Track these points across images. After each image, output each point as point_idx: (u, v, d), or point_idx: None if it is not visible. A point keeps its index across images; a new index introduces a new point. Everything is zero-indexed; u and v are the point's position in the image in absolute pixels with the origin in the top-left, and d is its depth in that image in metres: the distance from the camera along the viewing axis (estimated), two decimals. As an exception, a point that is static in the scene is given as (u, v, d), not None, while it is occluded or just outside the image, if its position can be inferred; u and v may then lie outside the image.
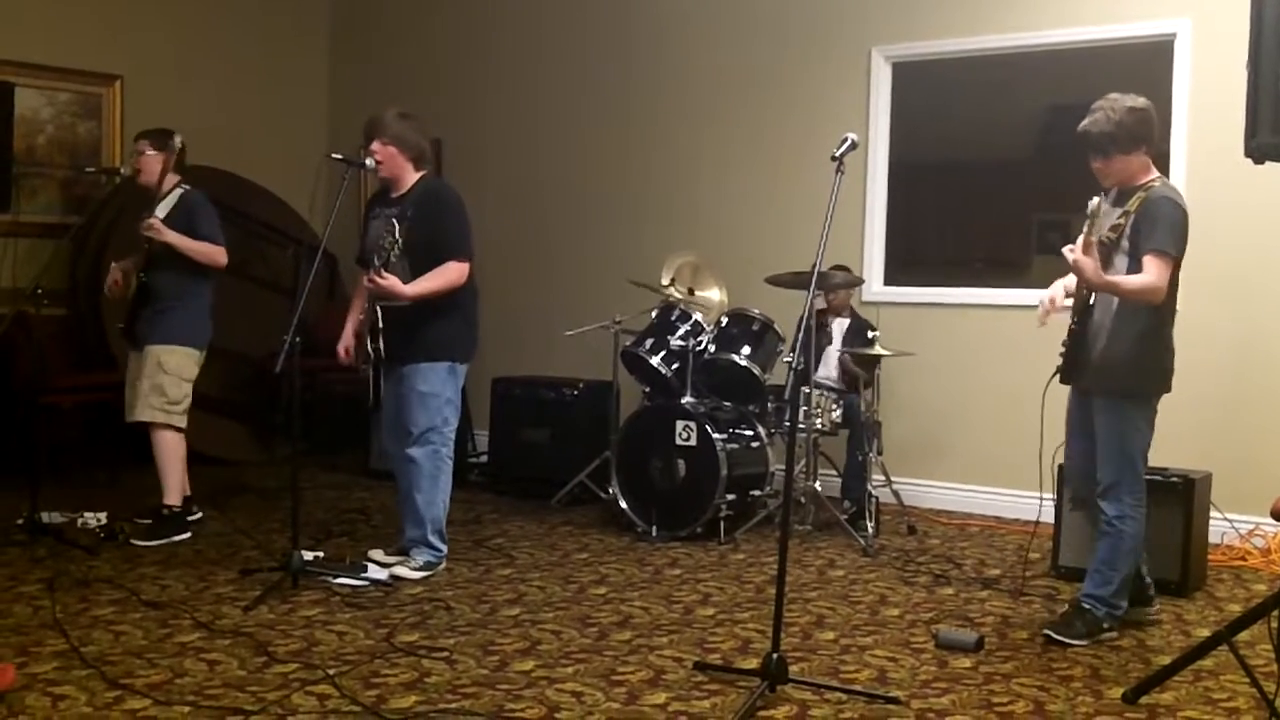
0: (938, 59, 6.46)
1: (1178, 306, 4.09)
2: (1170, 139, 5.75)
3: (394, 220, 4.53)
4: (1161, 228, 3.88)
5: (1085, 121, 4.02)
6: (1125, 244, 3.97)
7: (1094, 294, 4.03)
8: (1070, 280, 4.13)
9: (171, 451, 5.33)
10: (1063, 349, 4.12)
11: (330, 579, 4.60)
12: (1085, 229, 3.84)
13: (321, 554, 5.00)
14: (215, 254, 5.29)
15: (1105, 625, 4.08)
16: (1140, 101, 4.01)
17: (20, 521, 5.23)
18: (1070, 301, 4.13)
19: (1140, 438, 4.06)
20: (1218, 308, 5.65)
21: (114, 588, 4.49)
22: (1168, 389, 4.10)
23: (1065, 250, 3.92)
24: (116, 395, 5.67)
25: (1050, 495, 4.80)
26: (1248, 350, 5.59)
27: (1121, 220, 3.98)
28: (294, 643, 3.89)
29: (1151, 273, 3.87)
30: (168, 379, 5.26)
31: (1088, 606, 4.08)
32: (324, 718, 3.24)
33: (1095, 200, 3.82)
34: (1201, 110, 5.66)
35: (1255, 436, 5.54)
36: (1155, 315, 3.99)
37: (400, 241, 4.48)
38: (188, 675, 3.56)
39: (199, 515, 5.59)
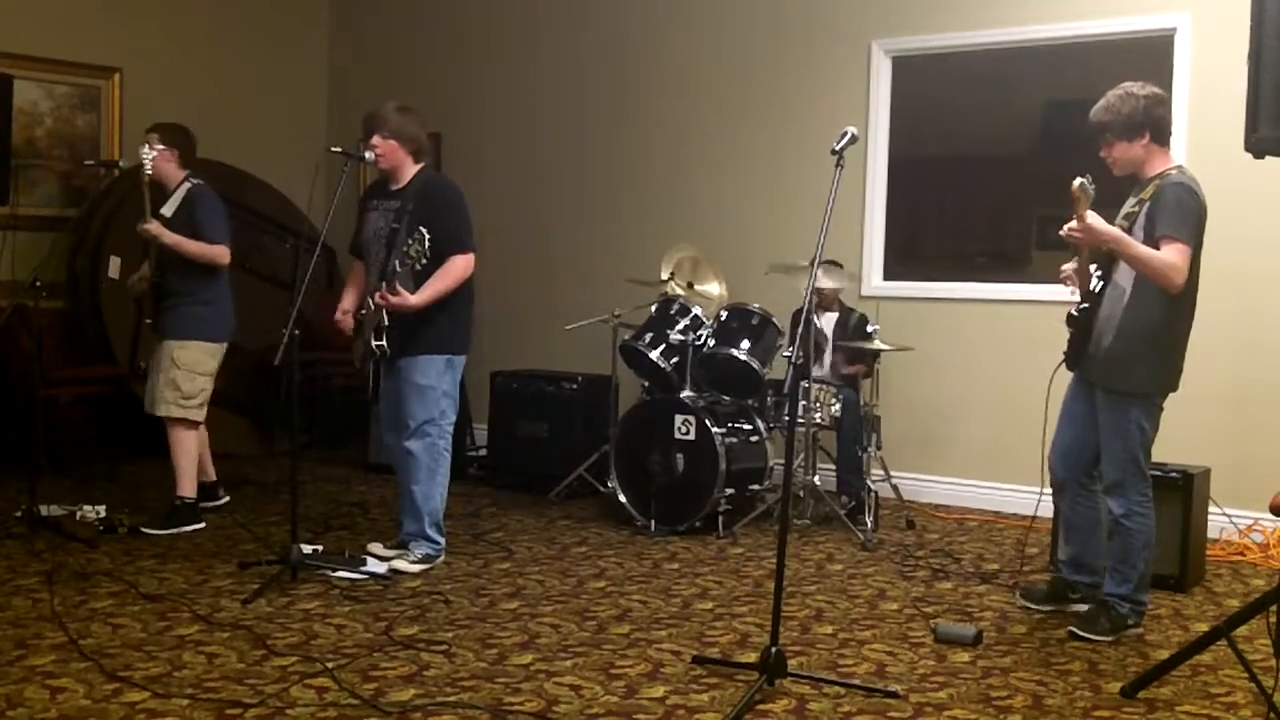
0: (938, 53, 6.45)
1: (1197, 300, 4.00)
2: (1170, 134, 5.74)
3: (421, 229, 4.51)
4: (1173, 215, 3.80)
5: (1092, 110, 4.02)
6: (1139, 233, 3.88)
7: (1102, 285, 3.97)
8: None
9: (184, 445, 5.39)
10: (1069, 333, 4.09)
11: (329, 572, 4.61)
12: (1076, 212, 3.78)
13: (320, 547, 5.00)
14: (214, 253, 5.30)
15: (1130, 621, 4.08)
16: (1144, 89, 3.95)
17: (19, 514, 5.23)
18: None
19: (1144, 436, 4.01)
20: (1217, 303, 5.60)
21: (113, 580, 4.49)
22: (1175, 388, 4.05)
23: (1062, 232, 3.87)
24: (116, 388, 5.69)
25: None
26: (1247, 346, 5.59)
27: (1135, 209, 3.93)
28: (292, 636, 3.89)
29: (1170, 254, 3.77)
30: (180, 373, 5.31)
31: (1113, 603, 4.08)
32: (322, 710, 3.25)
33: (1078, 181, 3.72)
34: (1201, 105, 5.65)
35: (1254, 432, 5.54)
36: (1169, 310, 3.90)
37: (427, 252, 4.49)
38: (186, 668, 3.56)
39: (225, 499, 5.73)
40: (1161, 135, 3.98)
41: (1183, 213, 3.81)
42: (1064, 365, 4.16)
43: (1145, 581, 4.09)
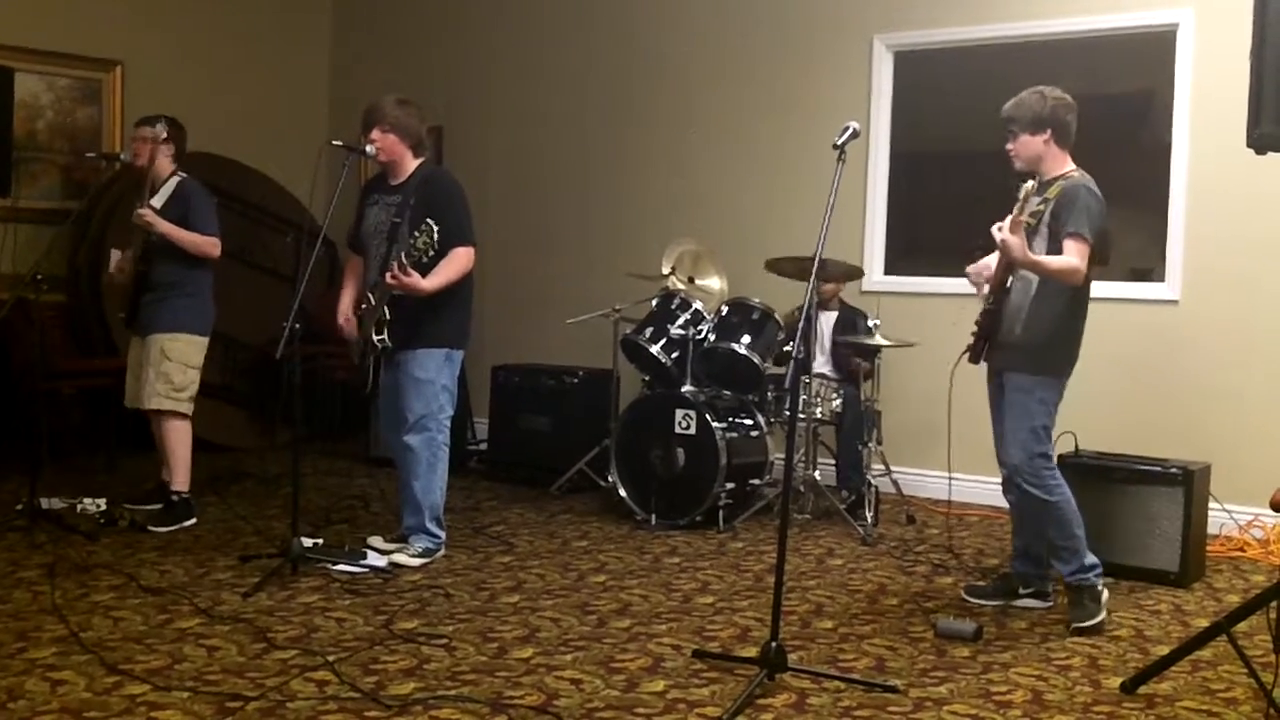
0: (940, 48, 6.45)
1: (1091, 293, 4.21)
2: (1172, 130, 5.74)
3: (428, 220, 4.50)
4: (1079, 214, 4.02)
5: None
6: (1044, 229, 4.10)
7: (1011, 277, 4.14)
8: (994, 259, 4.21)
9: (180, 438, 5.38)
10: (975, 328, 4.22)
11: (330, 566, 4.61)
12: (1015, 210, 3.94)
13: (321, 541, 5.00)
14: (207, 245, 5.31)
15: (1100, 586, 4.16)
16: (1054, 92, 4.19)
17: (20, 507, 5.23)
18: None
19: (1048, 411, 4.15)
20: (1218, 298, 5.64)
21: (113, 573, 4.49)
22: (1070, 372, 4.20)
23: (994, 229, 4.01)
24: (116, 381, 5.69)
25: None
26: (1247, 341, 5.58)
27: (1041, 207, 4.11)
28: (293, 629, 3.90)
29: (1073, 255, 4.00)
30: (173, 366, 5.30)
31: (1078, 582, 4.15)
32: (323, 704, 3.25)
33: (1030, 183, 3.95)
34: (1204, 100, 5.64)
35: (1255, 428, 5.54)
36: (1071, 300, 4.11)
37: (435, 244, 4.48)
38: (187, 661, 3.56)
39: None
40: (1062, 136, 4.18)
41: (1088, 213, 4.04)
42: (967, 359, 4.26)
43: (1085, 546, 4.18)
